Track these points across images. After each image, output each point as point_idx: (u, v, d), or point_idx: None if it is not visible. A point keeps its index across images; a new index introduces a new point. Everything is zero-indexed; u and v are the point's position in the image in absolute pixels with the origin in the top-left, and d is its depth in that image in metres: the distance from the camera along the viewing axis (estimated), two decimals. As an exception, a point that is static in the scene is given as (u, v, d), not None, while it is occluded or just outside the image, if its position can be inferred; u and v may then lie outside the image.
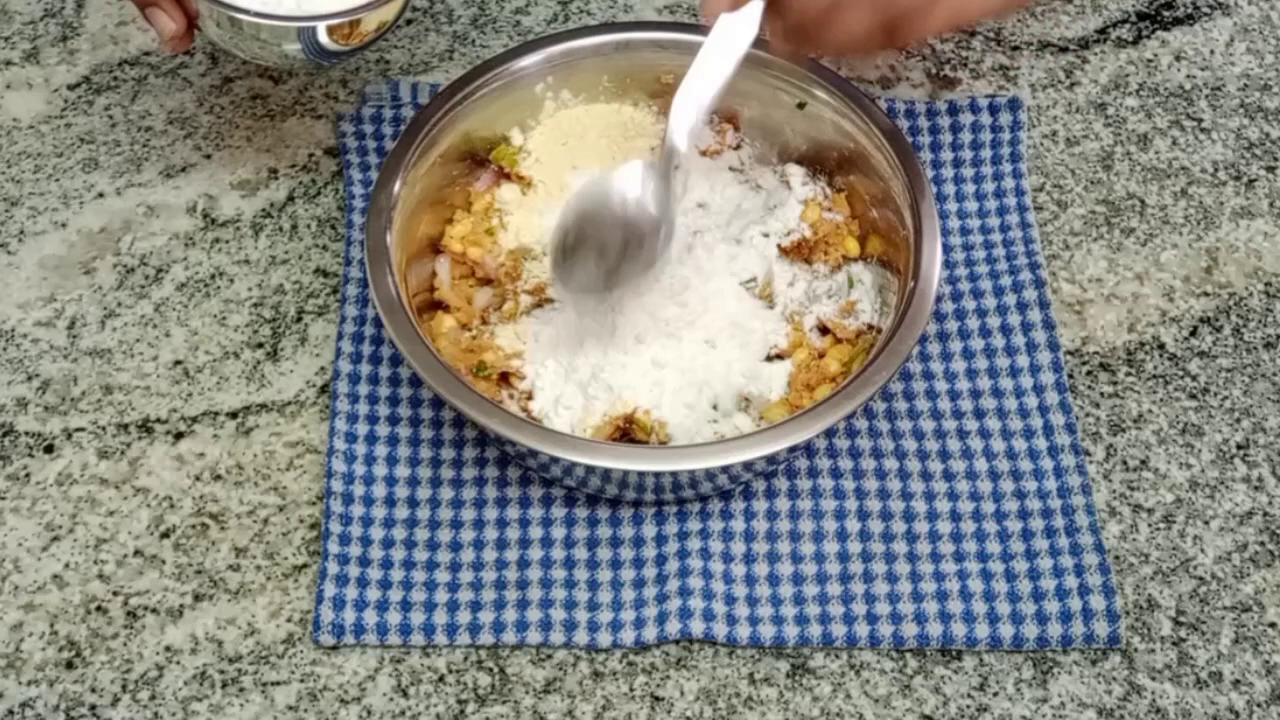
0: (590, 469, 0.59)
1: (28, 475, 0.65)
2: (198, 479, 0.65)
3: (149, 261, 0.72)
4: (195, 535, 0.63)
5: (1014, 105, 0.75)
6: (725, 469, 0.58)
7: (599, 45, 0.70)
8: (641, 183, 0.63)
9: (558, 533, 0.63)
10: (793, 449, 0.59)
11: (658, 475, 0.59)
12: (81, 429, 0.66)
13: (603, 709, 0.59)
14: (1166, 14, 0.81)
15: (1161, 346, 0.69)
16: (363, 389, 0.66)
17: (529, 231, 0.68)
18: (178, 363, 0.69)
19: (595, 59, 0.70)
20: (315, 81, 0.78)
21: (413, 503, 0.64)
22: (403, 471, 0.64)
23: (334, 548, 0.62)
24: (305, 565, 0.63)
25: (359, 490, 0.64)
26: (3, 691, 0.59)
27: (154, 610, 0.61)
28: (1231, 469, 0.65)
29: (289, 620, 0.61)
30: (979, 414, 0.66)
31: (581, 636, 0.60)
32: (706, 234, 0.68)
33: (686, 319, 0.65)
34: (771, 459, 0.60)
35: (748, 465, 0.59)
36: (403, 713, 0.59)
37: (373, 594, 0.61)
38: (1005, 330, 0.68)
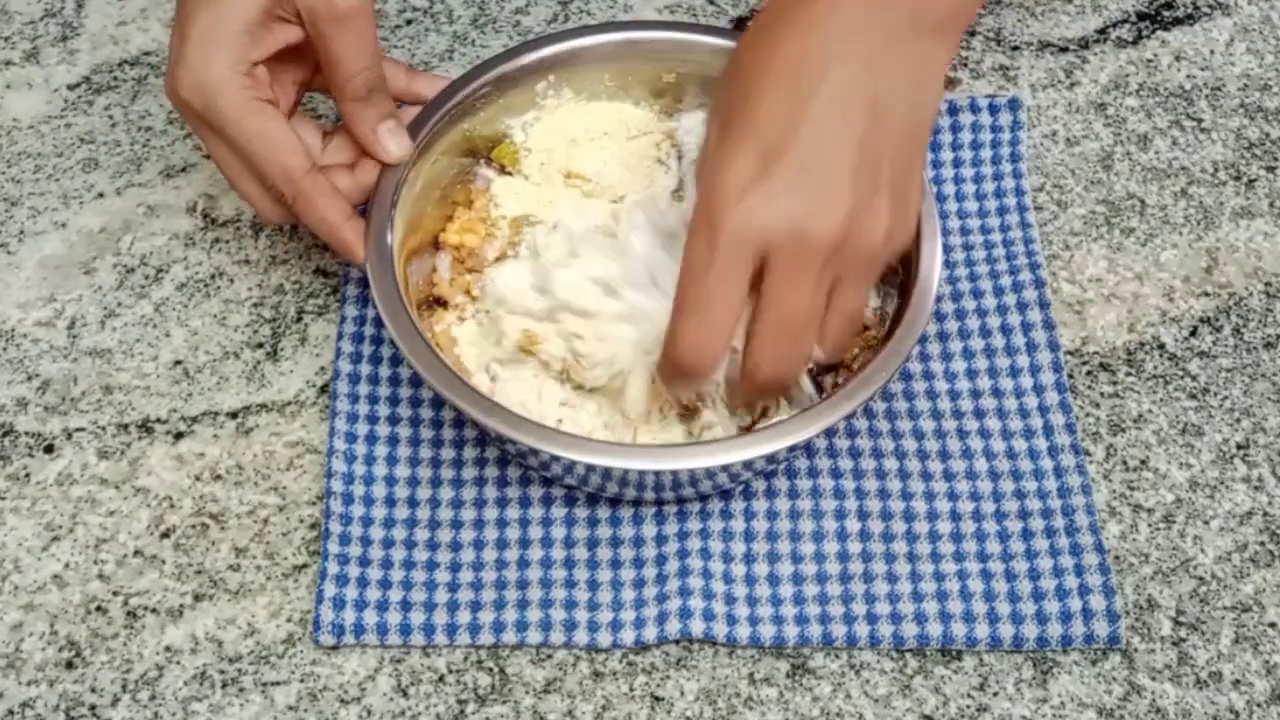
0: (590, 467, 0.59)
1: (28, 475, 0.65)
2: (198, 479, 0.65)
3: (149, 261, 0.72)
4: (195, 535, 0.63)
5: (1014, 105, 0.75)
6: (725, 467, 0.58)
7: (600, 44, 0.70)
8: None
9: (558, 533, 0.63)
10: (792, 448, 0.59)
11: (658, 474, 0.59)
12: (81, 429, 0.66)
13: (603, 709, 0.59)
14: (1166, 14, 0.81)
15: (1161, 346, 0.69)
16: (363, 389, 0.66)
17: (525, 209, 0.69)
18: (178, 363, 0.69)
19: (596, 58, 0.70)
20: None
21: (413, 503, 0.64)
22: (403, 471, 0.64)
23: (334, 548, 0.62)
24: (305, 565, 0.63)
25: (359, 490, 0.64)
26: (3, 691, 0.59)
27: (154, 610, 0.61)
28: (1231, 469, 0.65)
29: (289, 620, 0.61)
30: (979, 414, 0.66)
31: (581, 636, 0.60)
32: None
33: None
34: (771, 458, 0.60)
35: (748, 464, 0.59)
36: (403, 713, 0.59)
37: (373, 594, 0.61)
38: (1005, 330, 0.68)
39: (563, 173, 0.70)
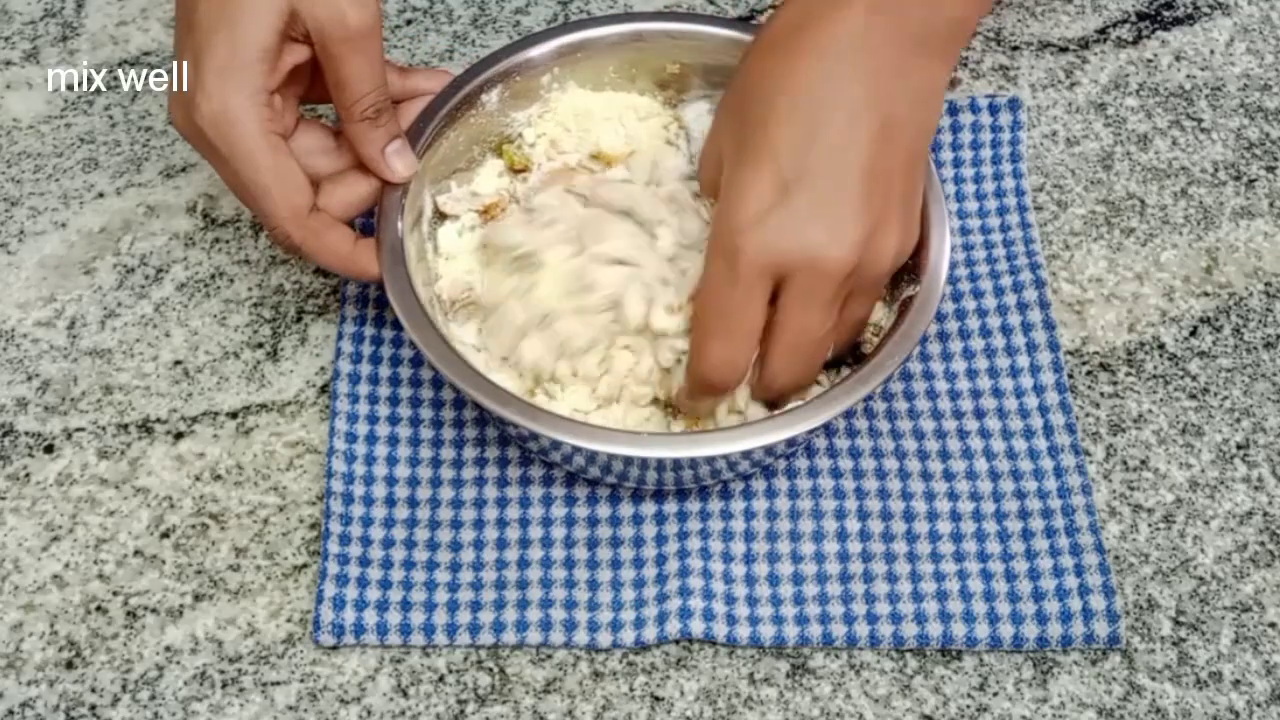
0: (592, 454, 0.59)
1: (28, 475, 0.65)
2: (198, 479, 0.65)
3: (149, 261, 0.72)
4: (195, 535, 0.63)
5: (1014, 105, 0.75)
6: (725, 456, 0.59)
7: (604, 36, 0.70)
8: None
9: (558, 533, 0.63)
10: (790, 441, 0.59)
11: (660, 461, 0.59)
12: (81, 429, 0.66)
13: (603, 709, 0.59)
14: (1166, 14, 0.81)
15: (1161, 346, 0.69)
16: (363, 389, 0.66)
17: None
18: (178, 363, 0.69)
19: (601, 50, 0.70)
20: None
21: (413, 503, 0.64)
22: (403, 471, 0.64)
23: (334, 548, 0.62)
24: (305, 565, 0.63)
25: (359, 490, 0.64)
26: (3, 691, 0.59)
27: (154, 610, 0.61)
28: (1231, 469, 0.65)
29: (289, 620, 0.61)
30: (979, 414, 0.66)
31: (581, 636, 0.60)
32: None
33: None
34: (770, 450, 0.60)
35: (746, 454, 0.59)
36: (403, 713, 0.59)
37: (373, 594, 0.61)
38: (1005, 330, 0.68)
39: (589, 154, 0.71)
